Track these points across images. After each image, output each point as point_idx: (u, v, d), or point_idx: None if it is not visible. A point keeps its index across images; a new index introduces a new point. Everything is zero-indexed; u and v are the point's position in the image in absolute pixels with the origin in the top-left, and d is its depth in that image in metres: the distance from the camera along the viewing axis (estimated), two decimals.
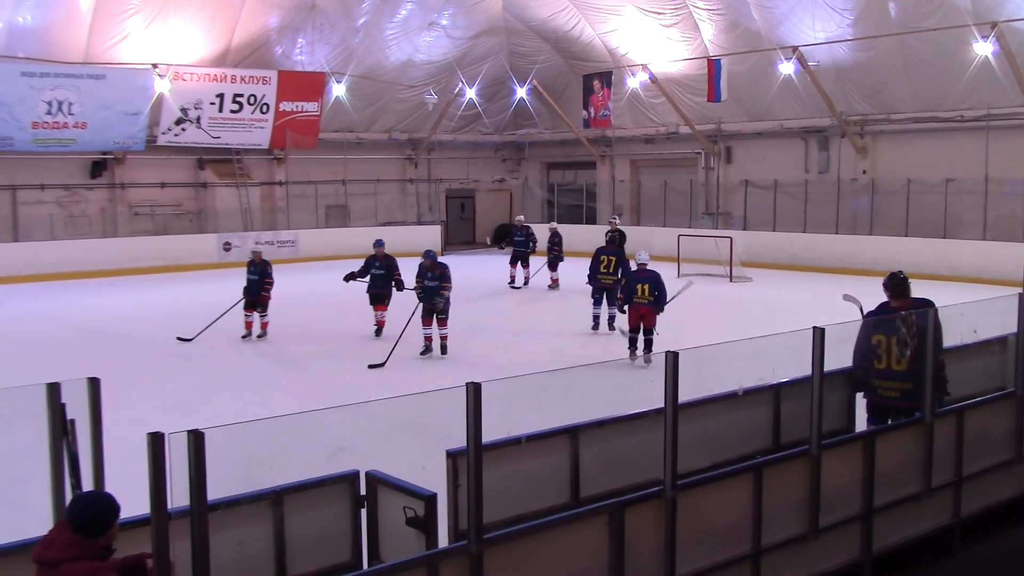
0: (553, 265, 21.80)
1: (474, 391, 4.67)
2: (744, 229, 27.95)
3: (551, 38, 31.90)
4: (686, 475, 5.72)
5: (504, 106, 34.81)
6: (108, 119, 26.18)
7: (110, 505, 4.03)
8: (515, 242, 22.29)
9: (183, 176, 29.36)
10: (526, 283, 22.28)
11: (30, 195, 26.45)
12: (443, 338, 14.35)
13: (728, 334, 9.91)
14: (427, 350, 14.27)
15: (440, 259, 15.08)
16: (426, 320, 14.26)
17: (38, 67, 24.95)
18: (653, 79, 29.32)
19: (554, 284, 21.80)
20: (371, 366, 13.44)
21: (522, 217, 22.99)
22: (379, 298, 15.79)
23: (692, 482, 5.72)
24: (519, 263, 22.24)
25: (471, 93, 32.58)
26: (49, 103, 25.20)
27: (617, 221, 22.47)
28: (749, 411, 7.52)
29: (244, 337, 15.62)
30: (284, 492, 5.42)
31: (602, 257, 16.44)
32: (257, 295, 15.58)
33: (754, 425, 7.55)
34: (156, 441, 3.81)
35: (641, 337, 13.66)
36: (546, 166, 37.11)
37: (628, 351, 13.71)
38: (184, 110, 27.47)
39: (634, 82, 30.24)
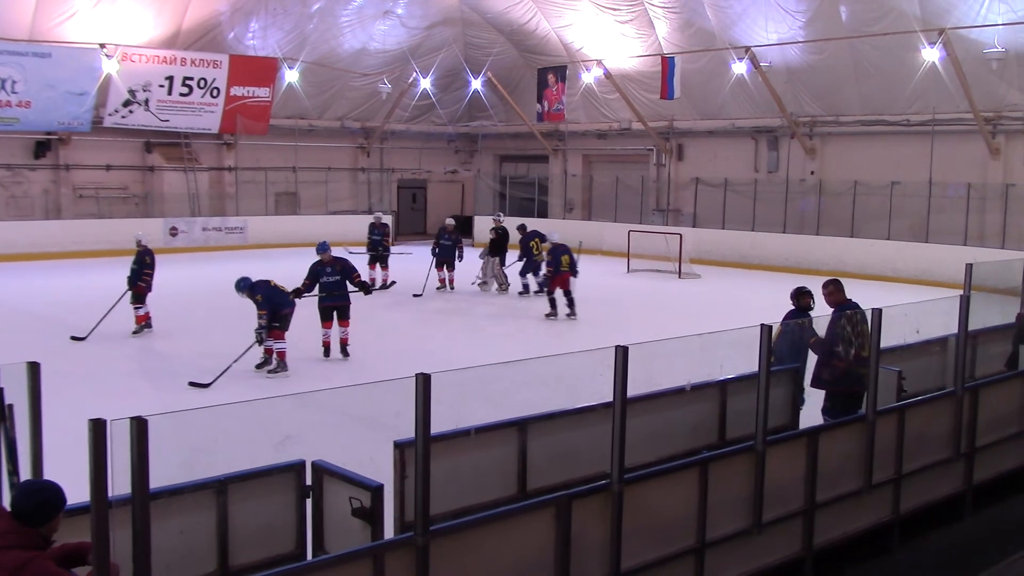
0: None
1: (423, 381, 4.64)
2: (694, 226, 28.20)
3: (506, 30, 31.86)
4: (633, 469, 5.75)
5: (458, 97, 34.70)
6: (53, 99, 25.61)
7: (56, 496, 3.95)
8: (442, 246, 20.70)
9: (130, 159, 28.84)
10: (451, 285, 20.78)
11: None
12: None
13: (676, 330, 9.99)
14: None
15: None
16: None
17: None
18: (607, 75, 29.40)
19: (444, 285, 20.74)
20: (193, 384, 11.65)
21: (452, 221, 21.39)
22: (338, 311, 13.36)
23: (639, 476, 5.76)
24: (444, 266, 20.63)
25: (425, 83, 32.42)
26: None
27: (501, 218, 22.13)
28: (696, 406, 7.59)
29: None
30: (228, 481, 5.36)
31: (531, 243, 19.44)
32: (133, 285, 14.93)
33: (701, 420, 7.63)
34: (98, 427, 3.73)
35: (563, 298, 17.29)
36: (499, 158, 37.09)
37: (550, 312, 17.28)
38: (132, 92, 26.95)
39: (588, 77, 30.31)
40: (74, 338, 14.20)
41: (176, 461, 4.94)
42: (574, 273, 17.49)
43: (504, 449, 6.33)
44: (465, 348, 14.61)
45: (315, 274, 13.30)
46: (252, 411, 6.00)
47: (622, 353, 5.43)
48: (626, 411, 5.50)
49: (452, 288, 20.60)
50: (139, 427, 3.83)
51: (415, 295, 19.51)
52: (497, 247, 20.99)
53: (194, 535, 5.23)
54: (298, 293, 13.01)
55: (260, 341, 12.28)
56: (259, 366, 12.44)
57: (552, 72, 31.14)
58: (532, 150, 34.42)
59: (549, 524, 5.26)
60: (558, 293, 17.43)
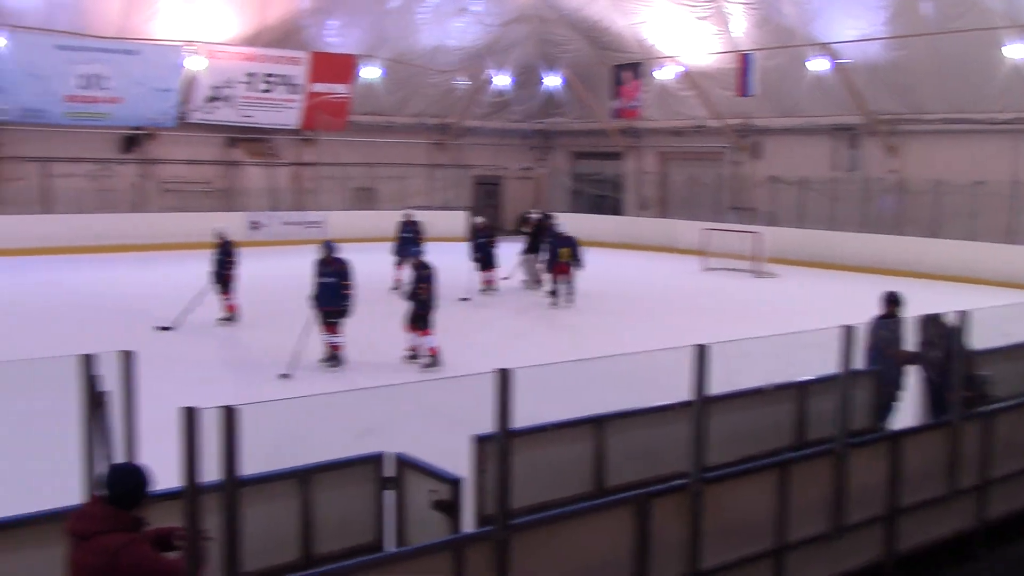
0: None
1: (503, 377, 4.68)
2: (770, 225, 27.81)
3: (582, 27, 31.76)
4: (712, 468, 5.72)
5: (533, 94, 34.72)
6: (141, 95, 26.36)
7: (144, 478, 4.07)
8: (477, 244, 19.94)
9: (213, 154, 29.50)
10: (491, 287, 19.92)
11: (63, 168, 26.63)
12: (334, 347, 12.68)
13: (754, 330, 9.88)
14: (333, 359, 12.66)
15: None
16: (325, 325, 12.72)
17: (73, 41, 25.15)
18: (683, 72, 29.15)
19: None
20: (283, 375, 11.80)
21: (482, 219, 20.71)
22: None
23: (718, 476, 5.73)
24: (483, 266, 19.75)
25: (501, 80, 32.49)
26: (83, 77, 25.41)
27: (539, 214, 21.76)
28: (776, 407, 7.50)
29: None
30: (312, 471, 5.46)
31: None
32: (220, 276, 15.50)
33: (780, 421, 7.55)
34: (189, 416, 3.85)
35: (563, 288, 18.25)
36: (573, 155, 37.00)
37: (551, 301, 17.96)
38: (216, 88, 27.62)
39: (663, 74, 30.08)
40: (160, 328, 14.57)
41: (261, 450, 5.06)
42: (577, 265, 18.37)
43: (582, 446, 6.34)
44: (534, 345, 14.60)
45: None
46: (334, 403, 6.11)
47: (700, 352, 5.41)
48: (705, 410, 5.48)
49: (494, 288, 19.70)
50: (229, 416, 3.94)
51: (462, 299, 18.23)
52: (534, 243, 20.58)
53: (278, 523, 5.34)
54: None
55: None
56: (323, 361, 12.60)
57: (627, 69, 30.99)
58: (606, 147, 34.28)
59: (627, 522, 5.26)
60: (559, 282, 18.37)
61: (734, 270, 23.58)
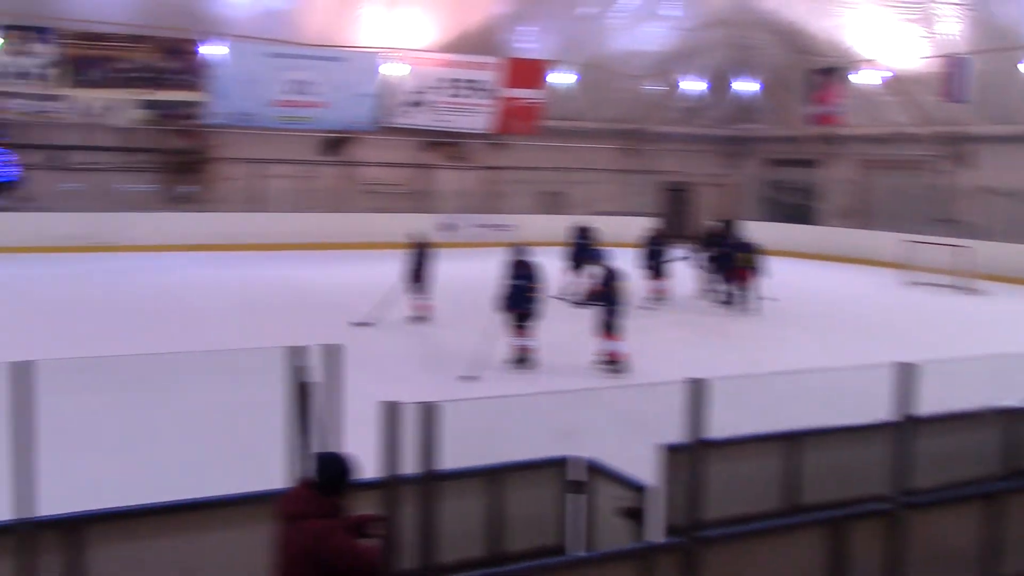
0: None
1: (696, 387, 4.61)
2: (980, 239, 26.19)
3: (779, 30, 30.91)
4: (914, 493, 5.45)
5: (726, 99, 34.08)
6: (343, 100, 27.61)
7: (347, 466, 4.25)
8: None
9: (409, 157, 30.47)
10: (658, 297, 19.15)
11: (272, 169, 28.21)
12: (524, 349, 12.84)
13: (962, 349, 9.34)
14: (521, 361, 12.75)
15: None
16: (514, 328, 12.82)
17: (283, 49, 26.62)
18: (888, 77, 27.91)
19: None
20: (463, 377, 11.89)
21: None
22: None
23: (921, 502, 5.45)
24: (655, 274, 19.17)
25: (693, 85, 32.07)
26: (291, 83, 26.85)
27: (718, 223, 21.11)
28: (988, 432, 7.07)
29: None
30: (501, 471, 5.55)
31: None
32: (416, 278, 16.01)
33: (984, 448, 7.11)
34: (391, 410, 3.99)
35: (742, 294, 18.00)
36: (766, 162, 36.06)
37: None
38: (414, 93, 28.58)
39: (864, 78, 28.89)
40: (357, 323, 15.15)
41: (453, 446, 5.18)
42: (753, 270, 18.04)
43: (774, 461, 6.17)
44: (709, 355, 14.32)
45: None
46: (525, 405, 6.19)
47: (905, 370, 5.16)
48: (910, 432, 5.22)
49: (664, 297, 18.93)
50: (429, 412, 4.06)
51: (640, 307, 17.43)
52: (708, 251, 19.91)
53: (467, 519, 5.46)
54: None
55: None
56: (510, 362, 12.76)
57: (826, 73, 29.97)
58: (801, 154, 33.19)
59: (821, 543, 5.08)
60: (733, 288, 18.28)
61: (938, 286, 22.37)
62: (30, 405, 4.42)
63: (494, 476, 5.52)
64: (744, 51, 32.30)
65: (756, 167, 35.91)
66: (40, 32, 24.15)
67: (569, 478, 5.72)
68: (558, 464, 5.74)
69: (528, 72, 30.08)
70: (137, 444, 8.01)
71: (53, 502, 4.66)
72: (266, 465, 5.17)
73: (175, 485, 6.01)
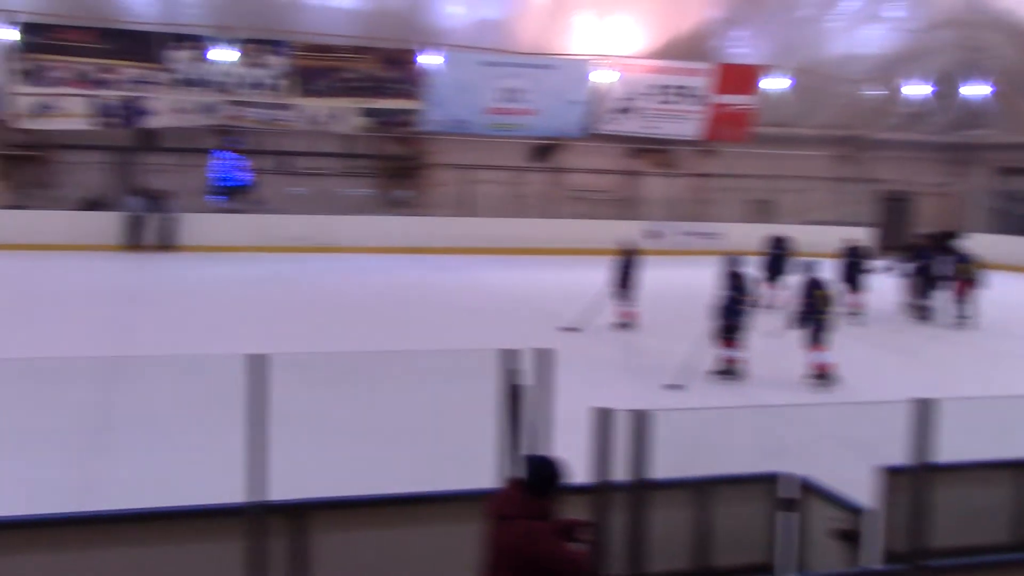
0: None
1: (923, 408, 4.38)
2: None
3: (1014, 30, 28.89)
4: None
5: (951, 104, 32.13)
6: (554, 107, 27.96)
7: (558, 470, 4.28)
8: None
9: (617, 164, 30.50)
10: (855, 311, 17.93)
11: (482, 175, 28.93)
12: (732, 360, 12.48)
13: None
14: (728, 372, 12.43)
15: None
16: (722, 338, 12.50)
17: (497, 57, 27.24)
18: None
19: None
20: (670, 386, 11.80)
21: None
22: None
23: None
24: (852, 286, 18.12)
25: (916, 90, 30.45)
26: (503, 90, 27.45)
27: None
28: None
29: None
30: (709, 483, 5.46)
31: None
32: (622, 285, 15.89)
33: None
34: (603, 416, 4.00)
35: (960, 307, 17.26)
36: (997, 171, 33.76)
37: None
38: (623, 100, 28.60)
39: None
40: (565, 328, 15.29)
41: (664, 455, 5.14)
42: (972, 283, 17.34)
43: (1005, 490, 5.77)
44: (934, 376, 13.51)
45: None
46: (733, 417, 6.07)
47: None
48: None
49: (860, 312, 17.86)
50: (641, 420, 4.04)
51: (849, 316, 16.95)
52: (916, 263, 18.71)
53: (674, 530, 5.39)
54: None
55: None
56: (719, 373, 12.49)
57: None
58: None
59: None
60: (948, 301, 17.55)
61: None
62: (264, 395, 4.72)
63: (703, 488, 5.44)
64: (974, 53, 30.38)
65: (984, 176, 33.68)
66: (274, 45, 25.75)
67: (780, 495, 5.55)
68: (769, 480, 5.59)
69: (740, 77, 29.49)
70: (357, 437, 8.39)
71: (282, 487, 4.95)
72: (477, 464, 5.28)
73: (391, 478, 6.26)
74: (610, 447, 4.00)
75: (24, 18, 23.85)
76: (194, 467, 7.42)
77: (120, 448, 8.35)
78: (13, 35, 23.83)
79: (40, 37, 24.15)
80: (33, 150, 25.94)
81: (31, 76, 24.37)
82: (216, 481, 5.29)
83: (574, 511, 4.57)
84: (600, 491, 4.01)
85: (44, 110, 24.70)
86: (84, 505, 6.56)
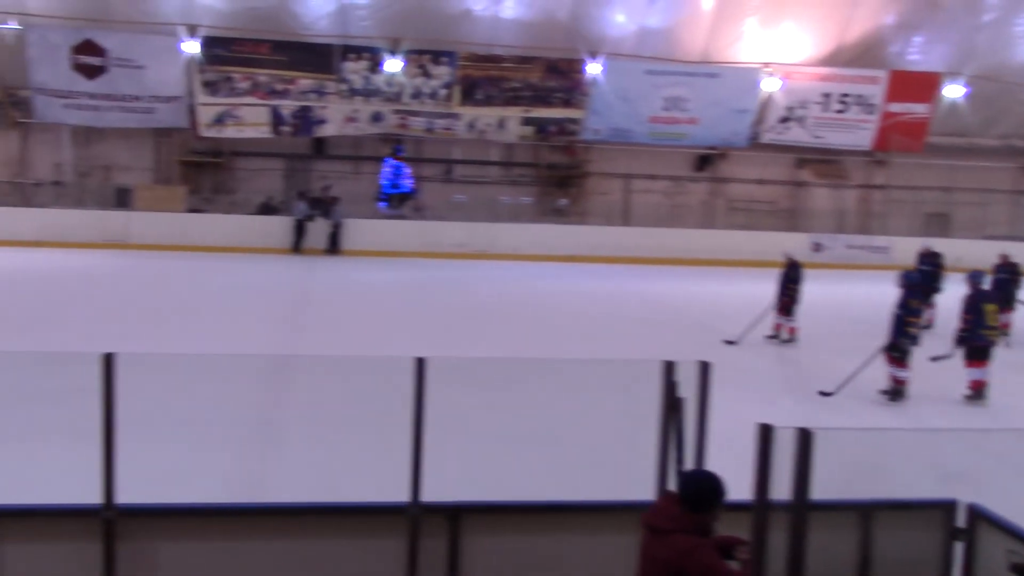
0: None
1: None
2: None
3: None
4: None
5: None
6: (717, 116, 27.55)
7: (718, 486, 4.20)
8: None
9: (780, 174, 29.80)
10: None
11: (641, 184, 28.79)
12: (896, 380, 11.80)
13: None
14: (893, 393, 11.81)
15: None
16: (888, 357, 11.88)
17: (660, 66, 27.04)
18: None
19: None
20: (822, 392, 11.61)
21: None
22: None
23: None
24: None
25: None
26: (666, 99, 27.24)
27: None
28: None
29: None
30: (875, 507, 5.24)
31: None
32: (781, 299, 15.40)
33: None
34: (765, 433, 3.89)
35: None
36: None
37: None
38: (790, 109, 27.92)
39: None
40: (725, 342, 15.02)
41: (826, 475, 4.97)
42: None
43: None
44: None
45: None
46: (902, 439, 5.82)
47: None
48: None
49: (1007, 332, 16.23)
50: (804, 438, 3.91)
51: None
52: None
53: (837, 554, 5.20)
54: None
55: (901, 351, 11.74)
56: (885, 392, 11.97)
57: None
58: None
59: None
60: None
61: None
62: (423, 396, 4.85)
63: (868, 512, 5.22)
64: None
65: None
66: (441, 56, 26.35)
67: (953, 524, 5.28)
68: (941, 507, 5.31)
69: (916, 85, 28.32)
70: (512, 443, 8.47)
71: (438, 489, 5.05)
72: (632, 475, 5.25)
73: (546, 485, 6.29)
74: (771, 464, 3.88)
75: (207, 32, 25.22)
76: (358, 465, 7.65)
77: (288, 444, 8.70)
78: (196, 48, 25.24)
79: (221, 50, 25.50)
80: (213, 157, 27.43)
81: (213, 87, 25.76)
82: (377, 480, 5.45)
83: (731, 529, 4.47)
84: (760, 509, 3.90)
85: (224, 119, 26.05)
86: (253, 497, 6.88)
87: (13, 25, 24.53)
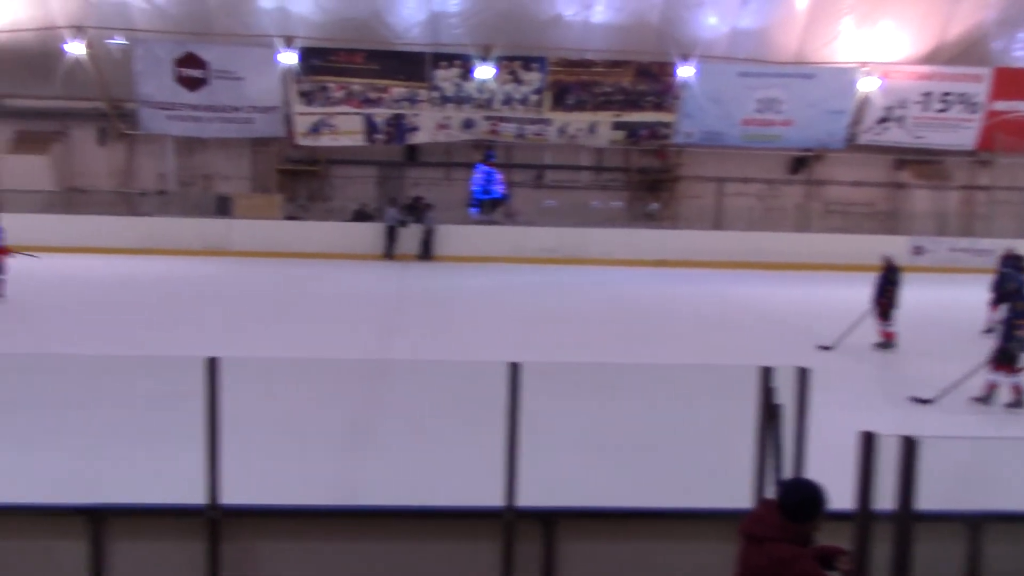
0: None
1: None
2: None
3: None
4: None
5: None
6: (812, 117, 27.05)
7: (819, 495, 4.12)
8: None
9: (879, 176, 29.09)
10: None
11: (734, 187, 28.42)
12: (1012, 387, 11.34)
13: None
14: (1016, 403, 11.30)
15: None
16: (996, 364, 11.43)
17: (753, 67, 26.67)
18: None
19: None
20: (915, 399, 11.35)
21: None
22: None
23: None
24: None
25: None
26: (760, 101, 26.84)
27: None
28: None
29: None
30: (986, 519, 5.08)
31: None
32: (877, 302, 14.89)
33: None
34: (868, 441, 3.82)
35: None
36: None
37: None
38: (888, 109, 27.24)
39: None
40: (820, 347, 14.69)
41: (931, 484, 4.83)
42: None
43: None
44: None
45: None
46: (1014, 448, 5.62)
47: None
48: None
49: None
50: (909, 447, 3.82)
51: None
52: None
53: (942, 566, 5.06)
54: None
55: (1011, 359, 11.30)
56: (978, 399, 11.51)
57: None
58: None
59: None
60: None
61: None
62: (517, 400, 4.87)
63: (978, 523, 5.06)
64: None
65: None
66: (531, 62, 26.43)
67: None
68: None
69: (1019, 83, 27.41)
70: (606, 448, 8.44)
71: (532, 494, 5.07)
72: (729, 483, 5.18)
73: (640, 491, 6.24)
74: (873, 473, 3.80)
75: (303, 43, 25.77)
76: (452, 469, 7.71)
77: (384, 447, 8.82)
78: (293, 59, 25.82)
79: (317, 60, 26.03)
80: (309, 165, 28.01)
81: (308, 97, 26.31)
82: (472, 484, 5.48)
83: (831, 538, 4.38)
84: (862, 519, 3.81)
85: (320, 128, 26.58)
86: (350, 499, 6.99)
87: (120, 40, 25.43)
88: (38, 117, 27.42)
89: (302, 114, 26.46)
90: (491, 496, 5.07)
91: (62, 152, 27.74)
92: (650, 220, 28.38)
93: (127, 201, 27.82)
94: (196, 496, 4.99)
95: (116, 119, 27.33)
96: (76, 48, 25.49)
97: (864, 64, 26.73)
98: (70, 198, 27.36)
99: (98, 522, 4.99)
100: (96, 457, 7.82)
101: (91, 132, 27.88)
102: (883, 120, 27.48)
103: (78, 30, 25.29)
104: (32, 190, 25.84)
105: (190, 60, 25.97)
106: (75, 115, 27.51)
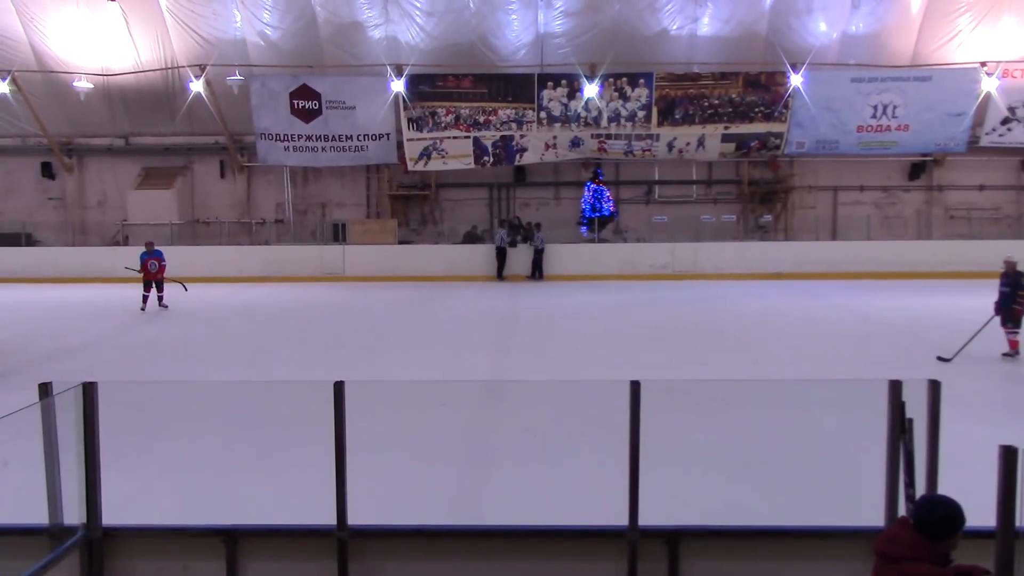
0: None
1: None
2: None
3: None
4: None
5: None
6: (930, 121, 26.22)
7: (956, 512, 3.99)
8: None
9: (1003, 178, 28.03)
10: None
11: (849, 196, 27.74)
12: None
13: None
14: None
15: None
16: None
17: (866, 72, 26.03)
18: None
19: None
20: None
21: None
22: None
23: None
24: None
25: None
26: (874, 107, 26.15)
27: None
28: None
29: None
30: None
31: None
32: (1008, 309, 14.18)
33: None
34: (1008, 456, 3.69)
35: None
36: None
37: None
38: (1012, 109, 26.19)
39: None
40: (940, 359, 14.19)
41: None
42: None
43: None
44: None
45: None
46: None
47: None
48: None
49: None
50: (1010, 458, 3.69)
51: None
52: None
53: None
54: None
55: None
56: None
57: None
58: None
59: None
60: None
61: None
62: (639, 418, 4.86)
63: None
64: None
65: None
66: (638, 78, 26.36)
67: None
68: None
69: None
70: (729, 466, 8.32)
71: (651, 512, 5.04)
72: (859, 500, 5.06)
73: (764, 509, 6.14)
74: (1017, 489, 3.66)
75: (411, 70, 26.29)
76: (573, 488, 7.72)
77: (505, 466, 8.87)
78: (402, 87, 26.35)
79: (426, 86, 26.51)
80: (420, 190, 28.51)
81: (418, 123, 26.80)
82: (593, 503, 5.49)
83: (968, 557, 4.23)
84: (1005, 537, 3.67)
85: (430, 153, 27.04)
86: (472, 519, 7.07)
87: (238, 77, 26.40)
88: (163, 153, 28.69)
89: (412, 140, 26.95)
90: (615, 515, 5.06)
91: (186, 186, 28.92)
92: (763, 232, 27.92)
93: (247, 231, 28.79)
94: (324, 516, 5.12)
95: (236, 152, 28.36)
96: (197, 86, 26.57)
97: (984, 63, 25.80)
98: (194, 230, 28.47)
99: (233, 542, 5.17)
100: (230, 478, 8.09)
101: (213, 166, 29.01)
102: (1006, 121, 26.45)
103: (198, 69, 26.36)
104: (159, 223, 27.00)
105: (304, 92, 26.77)
106: (197, 150, 28.69)
